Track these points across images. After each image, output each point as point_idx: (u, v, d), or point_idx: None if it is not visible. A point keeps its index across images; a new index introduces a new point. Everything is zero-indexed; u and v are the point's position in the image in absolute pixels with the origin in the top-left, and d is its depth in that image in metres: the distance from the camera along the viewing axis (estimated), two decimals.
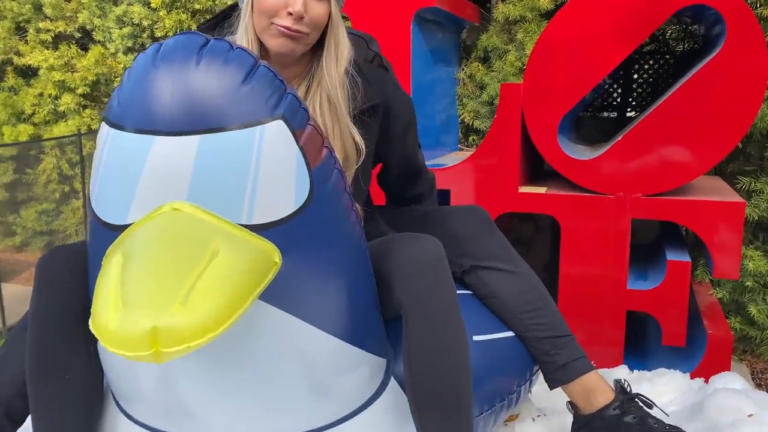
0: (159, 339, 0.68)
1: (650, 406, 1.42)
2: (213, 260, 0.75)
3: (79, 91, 3.82)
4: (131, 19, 3.53)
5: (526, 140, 2.18)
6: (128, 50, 3.66)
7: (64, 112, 3.96)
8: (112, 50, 3.70)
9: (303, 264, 0.90)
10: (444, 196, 2.30)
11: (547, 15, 2.61)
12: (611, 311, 2.11)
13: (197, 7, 3.34)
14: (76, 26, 3.83)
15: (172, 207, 0.79)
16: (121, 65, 3.68)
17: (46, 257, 1.04)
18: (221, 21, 1.34)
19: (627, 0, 2.00)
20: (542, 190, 2.18)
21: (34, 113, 4.11)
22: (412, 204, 1.52)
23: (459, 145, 3.09)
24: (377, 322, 1.11)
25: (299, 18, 1.04)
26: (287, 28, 1.04)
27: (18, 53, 4.01)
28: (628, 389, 1.45)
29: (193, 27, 3.37)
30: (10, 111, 4.18)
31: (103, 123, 0.86)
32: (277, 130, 0.83)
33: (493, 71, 2.85)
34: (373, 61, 1.35)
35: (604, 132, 2.88)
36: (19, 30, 4.04)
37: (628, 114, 3.04)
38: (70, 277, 0.97)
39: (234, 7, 1.40)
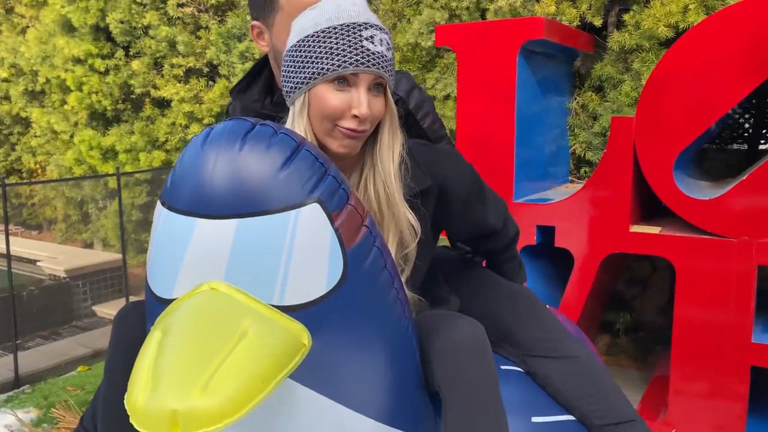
0: (179, 422, 0.71)
1: None
2: (241, 342, 0.77)
3: (206, 121, 4.09)
4: (253, 54, 3.74)
5: (639, 176, 2.05)
6: None
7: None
8: (235, 84, 3.94)
9: (337, 344, 0.90)
10: (548, 233, 2.21)
11: (666, 43, 2.46)
12: (733, 365, 1.92)
13: None
14: (205, 61, 4.12)
15: (210, 286, 0.83)
16: None
17: (122, 313, 1.09)
18: (255, 77, 1.36)
19: (759, 24, 1.84)
20: (656, 230, 2.04)
21: (166, 141, 4.46)
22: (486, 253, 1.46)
23: (570, 177, 2.98)
24: (420, 400, 1.08)
25: (365, 119, 1.02)
26: (353, 129, 1.03)
27: (155, 86, 4.37)
28: None
29: None
30: (147, 139, 4.56)
31: (158, 201, 0.91)
32: (312, 214, 0.85)
33: (607, 101, 2.72)
34: (397, 104, 1.30)
35: (731, 166, 2.65)
36: (156, 65, 4.42)
37: (762, 146, 2.78)
38: (142, 334, 0.99)
39: (261, 66, 1.40)
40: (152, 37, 4.25)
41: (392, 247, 1.07)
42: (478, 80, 2.32)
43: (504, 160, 2.30)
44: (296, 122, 1.05)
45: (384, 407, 0.98)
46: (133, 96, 4.62)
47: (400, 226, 1.08)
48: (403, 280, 1.07)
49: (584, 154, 2.82)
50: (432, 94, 3.20)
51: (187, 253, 0.85)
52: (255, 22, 1.36)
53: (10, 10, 5.85)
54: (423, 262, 1.17)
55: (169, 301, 0.87)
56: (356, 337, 0.92)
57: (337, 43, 0.99)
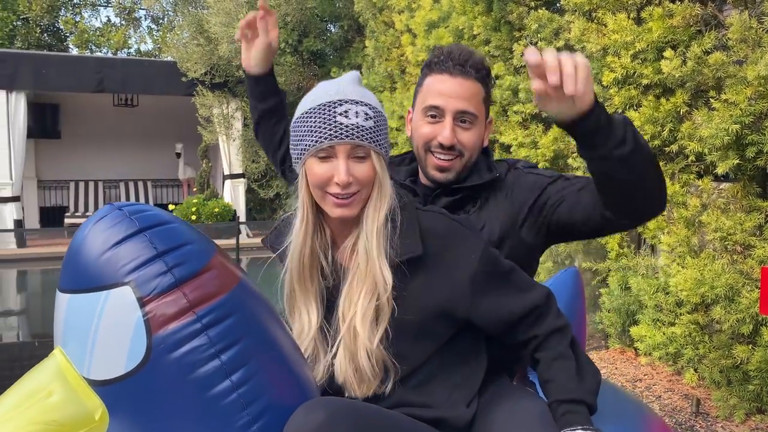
0: None
1: None
2: (40, 402, 0.90)
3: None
4: None
5: None
6: None
7: None
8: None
9: (133, 423, 0.94)
10: None
11: None
12: None
13: (644, 82, 3.16)
14: None
15: (55, 350, 0.98)
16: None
17: None
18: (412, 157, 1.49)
19: None
20: None
21: None
22: (530, 350, 1.24)
23: None
24: None
25: (346, 185, 1.12)
26: (338, 195, 1.13)
27: (500, 132, 4.57)
28: None
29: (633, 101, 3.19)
30: None
31: None
32: (120, 296, 0.91)
33: None
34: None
35: None
36: (504, 113, 4.61)
37: None
38: None
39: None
40: (499, 86, 4.46)
41: (364, 299, 1.13)
42: None
43: None
44: (299, 191, 1.19)
45: None
46: None
47: (372, 278, 1.13)
48: (376, 340, 1.11)
49: None
50: None
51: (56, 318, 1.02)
52: (410, 108, 1.47)
53: (403, 71, 6.89)
54: (417, 346, 1.18)
55: None
56: (160, 422, 0.94)
57: (315, 122, 1.13)
